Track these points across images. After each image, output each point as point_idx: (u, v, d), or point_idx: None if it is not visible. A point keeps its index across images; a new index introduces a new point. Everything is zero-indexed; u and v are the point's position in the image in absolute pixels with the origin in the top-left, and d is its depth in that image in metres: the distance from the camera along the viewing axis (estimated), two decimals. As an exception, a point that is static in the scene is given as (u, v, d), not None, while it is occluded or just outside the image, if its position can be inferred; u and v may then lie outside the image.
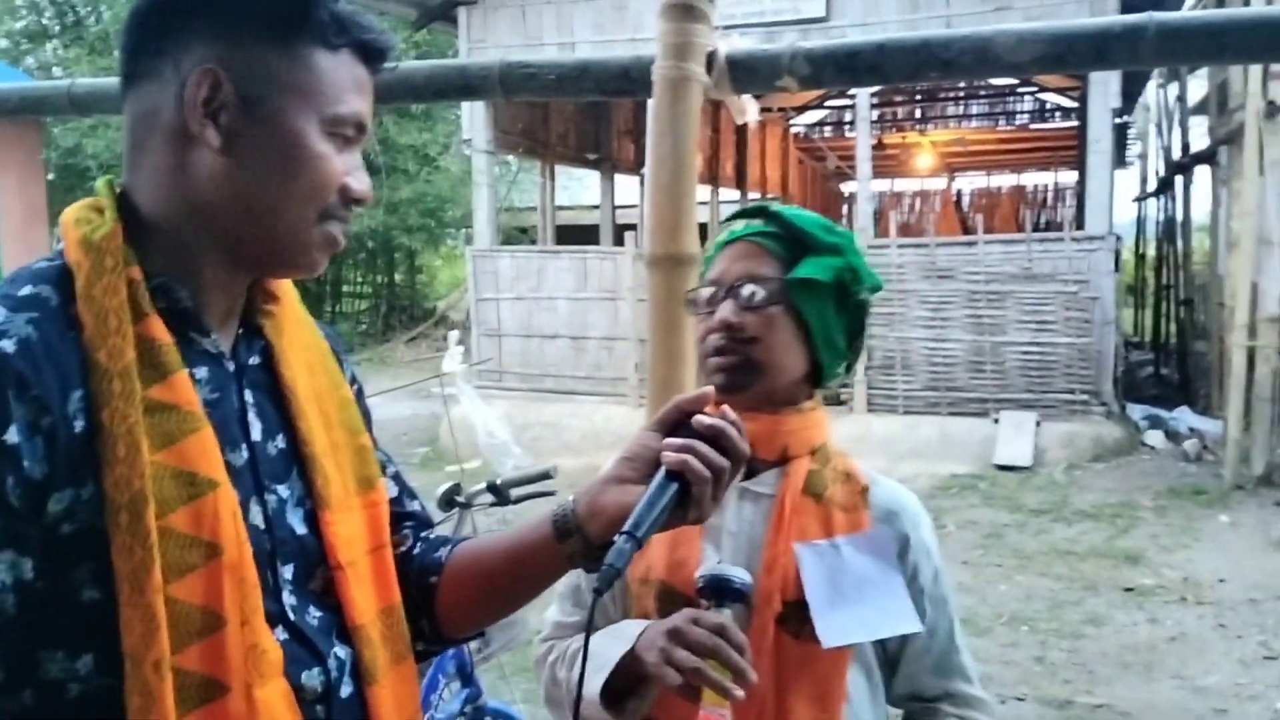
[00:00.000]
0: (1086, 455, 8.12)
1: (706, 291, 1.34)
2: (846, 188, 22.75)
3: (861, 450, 8.18)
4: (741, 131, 16.14)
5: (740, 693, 1.10)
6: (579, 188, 18.62)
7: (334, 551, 1.01)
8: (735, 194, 17.08)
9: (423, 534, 1.18)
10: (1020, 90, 18.08)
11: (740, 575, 1.19)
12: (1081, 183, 11.13)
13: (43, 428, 0.83)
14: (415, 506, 1.19)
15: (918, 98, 18.35)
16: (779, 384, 1.30)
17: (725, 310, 1.29)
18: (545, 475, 2.56)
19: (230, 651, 0.88)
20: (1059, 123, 16.95)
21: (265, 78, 0.93)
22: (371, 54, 0.99)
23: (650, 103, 1.78)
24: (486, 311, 10.04)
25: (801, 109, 18.50)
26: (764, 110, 16.42)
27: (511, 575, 1.08)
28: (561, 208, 14.70)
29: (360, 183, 0.99)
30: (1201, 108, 12.19)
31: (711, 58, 1.77)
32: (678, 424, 1.00)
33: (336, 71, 0.96)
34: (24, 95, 2.24)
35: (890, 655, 1.34)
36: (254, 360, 1.02)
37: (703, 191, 16.24)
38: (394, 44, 1.02)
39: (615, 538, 0.94)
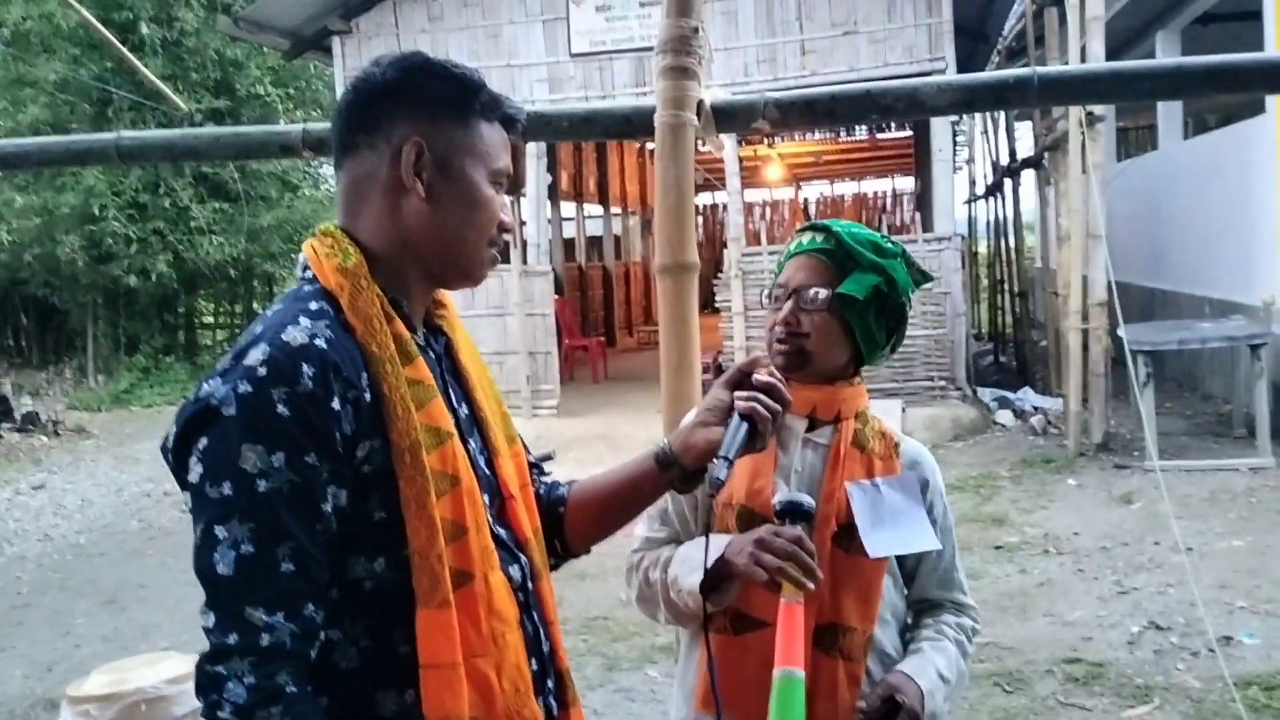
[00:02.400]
0: (948, 435, 8.93)
1: (776, 291, 1.77)
2: (701, 200, 23.59)
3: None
4: (602, 149, 16.65)
5: (812, 586, 1.53)
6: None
7: (505, 485, 1.40)
8: (599, 209, 17.57)
9: (543, 478, 1.58)
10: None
11: (809, 500, 1.61)
12: (925, 189, 12.06)
13: (349, 399, 1.19)
14: (534, 458, 1.59)
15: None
16: (826, 368, 1.75)
17: (786, 310, 1.72)
18: (547, 458, 2.94)
19: (473, 550, 1.26)
20: (895, 133, 18.09)
21: (452, 145, 1.30)
22: (511, 122, 1.38)
23: (655, 144, 2.22)
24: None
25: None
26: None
27: (624, 500, 1.50)
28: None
29: (509, 217, 1.40)
30: (1024, 115, 13.38)
31: (700, 106, 2.22)
32: (739, 383, 1.44)
33: (494, 137, 1.35)
34: (69, 147, 2.49)
35: (908, 569, 1.79)
36: (440, 349, 1.41)
37: (568, 209, 16.67)
38: (525, 113, 1.44)
39: (713, 461, 1.38)
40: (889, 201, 23.81)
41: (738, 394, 1.42)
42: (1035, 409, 9.58)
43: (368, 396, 1.21)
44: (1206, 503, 6.58)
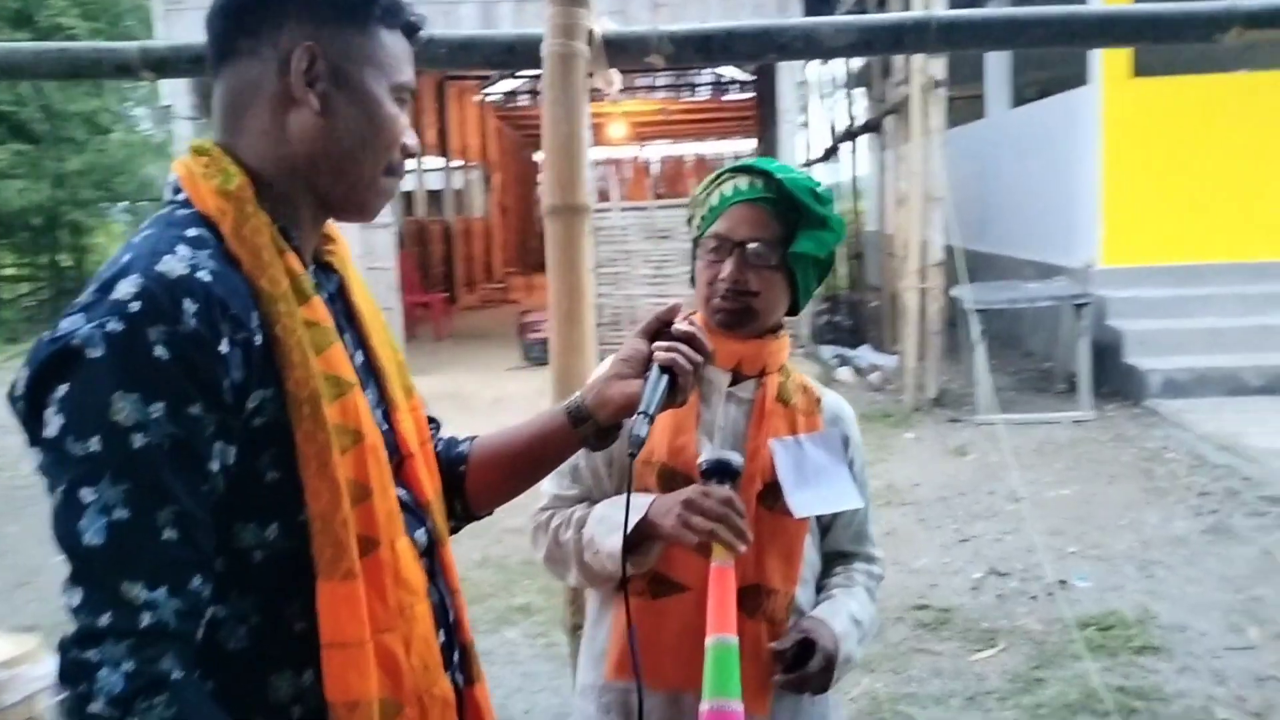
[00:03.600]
0: (792, 392, 9.10)
1: (711, 243, 1.64)
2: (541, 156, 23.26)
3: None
4: (442, 101, 16.16)
5: (744, 548, 1.46)
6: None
7: (404, 443, 1.27)
8: (440, 161, 17.08)
9: (439, 435, 1.45)
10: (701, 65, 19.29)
11: (737, 459, 1.53)
12: (769, 151, 12.21)
13: (238, 341, 1.04)
14: (431, 413, 1.46)
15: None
16: (767, 323, 1.66)
17: (732, 266, 1.61)
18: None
19: (378, 514, 1.14)
20: (738, 95, 18.30)
21: (349, 53, 1.14)
22: (413, 30, 1.23)
23: (543, 75, 2.07)
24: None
25: (495, 79, 18.71)
26: (456, 78, 16.49)
27: (533, 458, 1.39)
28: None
29: (413, 140, 1.25)
30: (859, 80, 13.72)
31: (590, 36, 2.09)
32: (657, 332, 1.35)
33: (396, 46, 1.20)
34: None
35: (824, 523, 1.74)
36: (333, 289, 1.25)
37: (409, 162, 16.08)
38: (425, 21, 1.29)
39: (632, 418, 1.28)
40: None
41: (656, 344, 1.32)
42: (873, 366, 9.90)
43: (258, 339, 1.06)
44: (1035, 454, 6.94)
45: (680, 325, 1.33)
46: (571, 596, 2.13)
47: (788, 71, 9.60)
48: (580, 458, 1.67)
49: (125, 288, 1.00)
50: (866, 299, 12.83)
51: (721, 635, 1.41)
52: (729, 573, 1.46)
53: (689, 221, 1.76)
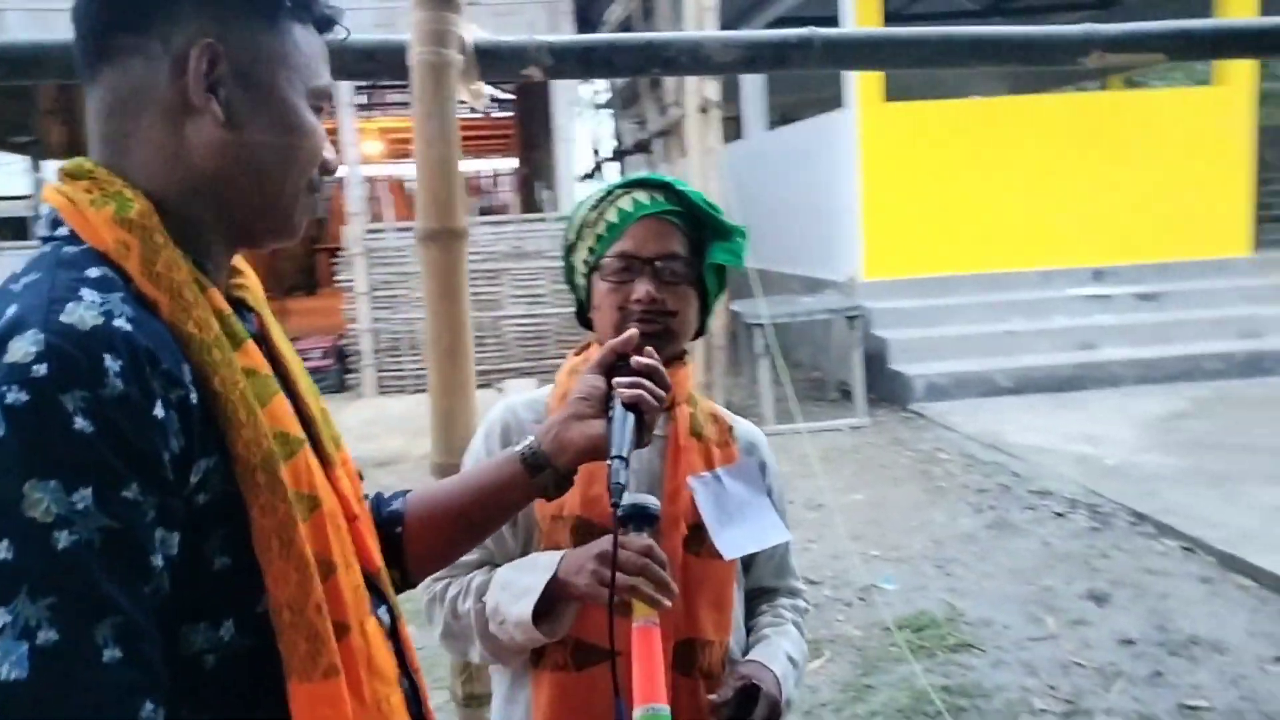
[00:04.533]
0: (580, 412, 9.04)
1: (616, 263, 1.50)
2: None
3: (378, 432, 8.30)
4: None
5: (669, 603, 1.31)
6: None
7: (347, 504, 1.06)
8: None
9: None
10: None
11: (654, 502, 1.37)
12: (532, 170, 12.13)
13: (173, 402, 0.83)
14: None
15: (361, 85, 18.44)
16: (682, 344, 1.53)
17: (647, 284, 1.47)
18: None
19: (344, 593, 0.95)
20: (497, 113, 18.12)
21: (257, 52, 0.95)
22: (327, 24, 1.05)
23: (414, 85, 1.86)
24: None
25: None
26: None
27: (483, 514, 1.22)
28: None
29: (332, 154, 1.06)
30: (626, 100, 13.90)
31: (462, 44, 1.90)
32: (613, 366, 1.22)
33: (310, 43, 1.01)
34: None
35: (745, 560, 1.62)
36: (253, 330, 1.04)
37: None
38: (343, 14, 1.09)
39: (609, 462, 1.14)
40: (491, 181, 23.92)
41: (617, 381, 1.19)
42: (655, 382, 9.98)
43: (194, 397, 0.85)
44: (823, 460, 7.18)
45: (641, 358, 1.20)
46: (461, 665, 1.92)
47: (563, 89, 9.56)
48: None
49: (22, 347, 0.76)
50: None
51: (652, 705, 1.24)
52: (654, 632, 1.29)
53: (568, 247, 1.61)
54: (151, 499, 0.79)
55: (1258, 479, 5.99)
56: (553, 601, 1.38)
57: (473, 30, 1.92)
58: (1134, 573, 4.93)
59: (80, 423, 0.75)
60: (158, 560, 0.80)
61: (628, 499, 1.36)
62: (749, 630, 1.64)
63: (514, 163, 18.97)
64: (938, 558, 5.26)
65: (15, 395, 0.74)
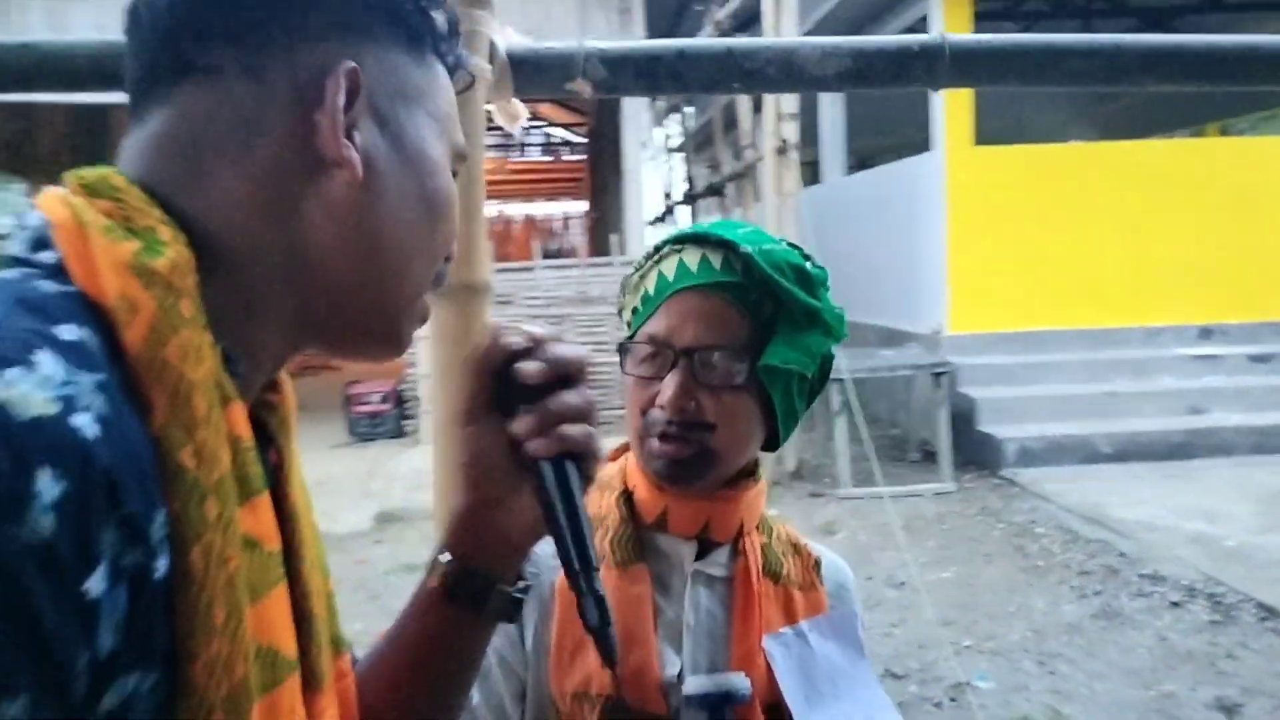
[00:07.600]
0: (644, 467, 8.61)
1: (645, 349, 1.07)
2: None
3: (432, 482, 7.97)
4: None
5: None
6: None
7: None
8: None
9: None
10: (529, 125, 18.98)
11: (745, 686, 1.00)
12: (603, 212, 11.84)
13: (126, 570, 0.49)
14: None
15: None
16: (732, 468, 1.09)
17: (676, 387, 1.03)
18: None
19: None
20: (569, 156, 18.02)
21: (404, 89, 0.68)
22: (456, 69, 0.75)
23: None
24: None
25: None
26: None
27: (430, 670, 0.79)
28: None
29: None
30: (699, 144, 13.60)
31: (492, 51, 1.50)
32: (494, 399, 0.74)
33: (450, 93, 0.72)
34: None
35: None
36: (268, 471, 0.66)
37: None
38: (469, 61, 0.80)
39: (576, 591, 0.71)
40: (561, 224, 23.83)
41: (518, 426, 0.72)
42: (724, 436, 9.53)
43: (159, 566, 0.51)
44: (905, 531, 6.62)
45: (529, 366, 0.71)
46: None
47: (632, 128, 9.25)
48: (476, 691, 1.05)
49: None
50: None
51: None
52: None
53: (619, 314, 1.19)
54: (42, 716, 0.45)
55: (1406, 570, 5.30)
56: None
57: (507, 34, 1.52)
58: (1268, 678, 4.31)
59: None
60: None
61: (707, 681, 0.97)
62: None
63: (584, 205, 18.77)
64: (1039, 651, 4.68)
65: None
